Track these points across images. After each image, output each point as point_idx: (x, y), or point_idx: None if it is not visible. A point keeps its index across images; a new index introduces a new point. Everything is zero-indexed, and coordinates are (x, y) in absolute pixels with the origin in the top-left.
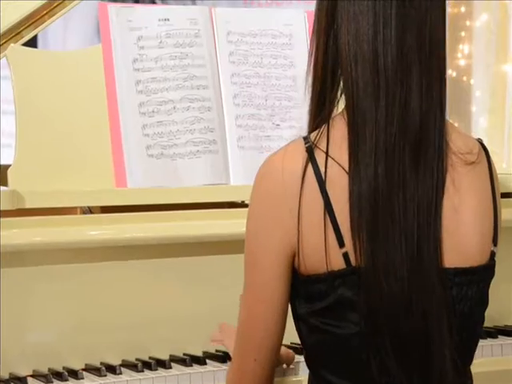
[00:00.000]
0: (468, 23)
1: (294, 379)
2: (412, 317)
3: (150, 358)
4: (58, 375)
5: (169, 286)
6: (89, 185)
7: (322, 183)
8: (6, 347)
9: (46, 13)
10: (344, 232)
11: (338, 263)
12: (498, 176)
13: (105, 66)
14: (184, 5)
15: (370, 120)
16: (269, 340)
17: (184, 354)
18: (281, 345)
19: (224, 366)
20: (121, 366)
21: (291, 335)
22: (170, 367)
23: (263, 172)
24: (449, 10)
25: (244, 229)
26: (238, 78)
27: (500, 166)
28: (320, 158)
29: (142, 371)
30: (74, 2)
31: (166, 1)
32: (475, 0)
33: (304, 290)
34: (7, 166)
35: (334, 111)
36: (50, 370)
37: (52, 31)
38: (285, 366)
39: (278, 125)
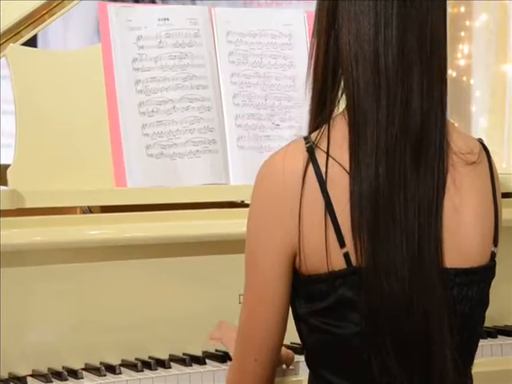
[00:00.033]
0: (468, 23)
1: (294, 379)
2: (413, 317)
3: (149, 357)
4: (57, 375)
5: (168, 286)
6: (88, 184)
7: (322, 183)
8: (6, 347)
9: (46, 12)
10: (345, 232)
11: (339, 263)
12: (499, 176)
13: (104, 66)
14: (184, 5)
15: (371, 120)
16: (270, 340)
17: (184, 354)
18: (282, 345)
19: (224, 366)
20: (120, 365)
21: (291, 335)
22: (170, 367)
23: (264, 172)
24: (449, 10)
25: (244, 229)
26: (238, 77)
27: (500, 166)
28: (321, 158)
29: (142, 371)
30: (74, 2)
31: (165, 1)
32: (475, 0)
33: (305, 290)
34: (7, 166)
35: (335, 111)
36: (49, 369)
37: (52, 31)
38: (284, 366)
39: (277, 125)
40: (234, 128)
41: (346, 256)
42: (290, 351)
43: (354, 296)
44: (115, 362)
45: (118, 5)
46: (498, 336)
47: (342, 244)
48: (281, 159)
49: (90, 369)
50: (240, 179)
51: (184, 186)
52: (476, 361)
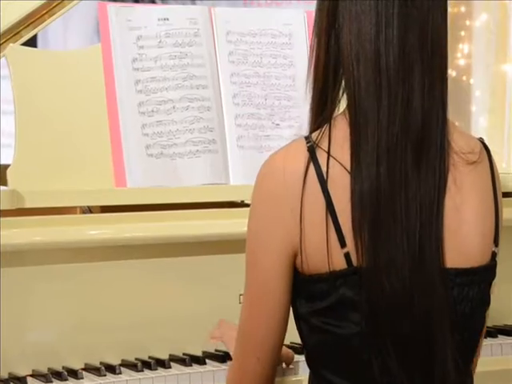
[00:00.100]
0: (468, 23)
1: (294, 379)
2: (413, 317)
3: (149, 357)
4: (57, 375)
5: (168, 286)
6: (88, 184)
7: (323, 183)
8: (6, 347)
9: (46, 12)
10: (345, 232)
11: (340, 263)
12: (499, 175)
13: (104, 66)
14: (184, 5)
15: (372, 119)
16: (270, 339)
17: (183, 354)
18: (282, 344)
19: (224, 366)
20: (120, 365)
21: (291, 335)
22: (170, 367)
23: (264, 172)
24: (449, 9)
25: (244, 229)
26: (238, 77)
27: (500, 166)
28: (322, 157)
29: (142, 371)
30: (74, 2)
31: (165, 1)
32: (475, 0)
33: (305, 289)
34: (7, 166)
35: (335, 111)
36: (49, 369)
37: (52, 31)
38: (284, 365)
39: (277, 124)
40: (233, 128)
41: (347, 256)
42: (290, 350)
43: (355, 296)
44: (115, 361)
45: (118, 5)
46: (498, 335)
47: (342, 244)
48: (281, 159)
49: (89, 369)
50: (240, 179)
51: (184, 185)
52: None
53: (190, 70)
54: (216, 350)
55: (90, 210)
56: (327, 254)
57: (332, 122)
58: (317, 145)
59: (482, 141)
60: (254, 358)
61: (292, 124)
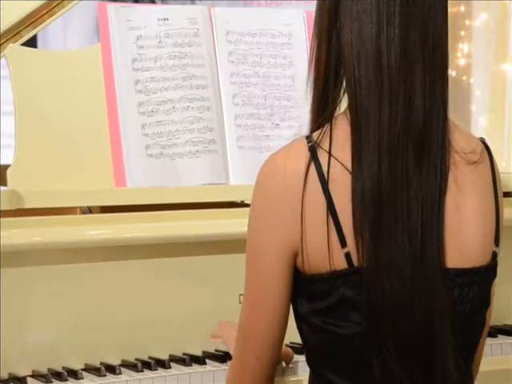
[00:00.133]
0: (467, 22)
1: (294, 379)
2: (414, 317)
3: (149, 357)
4: (57, 375)
5: (168, 286)
6: (88, 185)
7: (324, 183)
8: (6, 347)
9: (46, 12)
10: (346, 232)
11: (341, 263)
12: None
13: (104, 66)
14: (183, 4)
15: (374, 119)
16: (270, 338)
17: (183, 354)
18: (282, 342)
19: (224, 366)
20: (120, 365)
21: (291, 334)
22: (170, 367)
23: (265, 171)
24: (448, 9)
25: (244, 228)
26: (238, 77)
27: (500, 165)
28: (323, 157)
29: (142, 371)
30: (73, 2)
31: (165, 1)
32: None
33: (306, 289)
34: (7, 166)
35: (336, 111)
36: (49, 369)
37: (52, 31)
38: (284, 364)
39: (277, 124)
40: (233, 128)
41: (348, 256)
42: (289, 349)
43: (355, 296)
44: (115, 362)
45: (118, 5)
46: (498, 335)
47: (343, 244)
48: (282, 159)
49: (89, 369)
50: (240, 179)
51: (184, 185)
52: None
53: (189, 70)
54: (216, 350)
55: (89, 210)
56: (328, 254)
57: (333, 121)
58: (318, 145)
59: (483, 141)
60: (253, 357)
61: (292, 124)
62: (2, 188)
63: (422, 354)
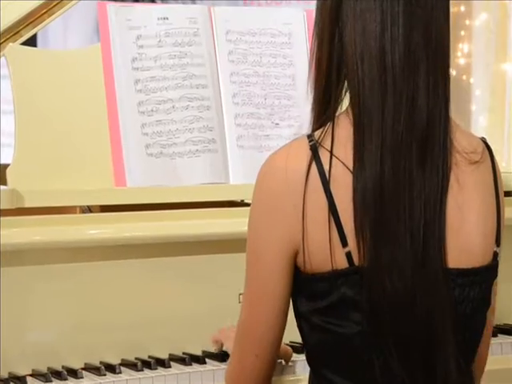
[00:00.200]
0: (467, 22)
1: (293, 378)
2: (415, 316)
3: (149, 357)
4: (57, 374)
5: (168, 285)
6: (88, 184)
7: (325, 182)
8: (6, 346)
9: (45, 12)
10: (347, 231)
11: (341, 262)
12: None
13: (104, 65)
14: (183, 4)
15: (377, 118)
16: (269, 336)
17: (183, 353)
18: (281, 340)
19: (223, 365)
20: (120, 365)
21: (291, 334)
22: (170, 366)
23: (265, 171)
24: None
25: (244, 228)
26: (237, 76)
27: (500, 165)
28: (324, 156)
29: (142, 370)
30: (73, 2)
31: (165, 0)
32: None
33: (307, 288)
34: (7, 166)
35: (338, 110)
36: (49, 369)
37: (52, 30)
38: (283, 362)
39: (277, 124)
40: (233, 127)
41: (348, 255)
42: (288, 348)
43: (356, 295)
44: (115, 361)
45: (118, 4)
46: (498, 335)
47: (344, 243)
48: (283, 157)
49: (89, 368)
50: (240, 178)
51: (183, 185)
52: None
53: (189, 69)
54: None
55: (89, 209)
56: (330, 253)
57: (335, 120)
58: (319, 144)
59: (484, 140)
60: (252, 355)
61: (292, 123)
62: (2, 187)
63: (423, 353)
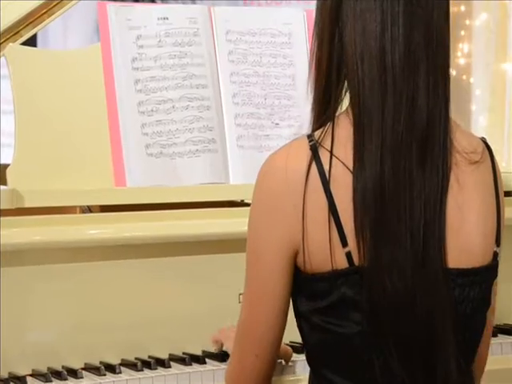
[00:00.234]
0: (468, 22)
1: (293, 378)
2: (415, 317)
3: (149, 357)
4: (57, 374)
5: (168, 285)
6: (88, 184)
7: (325, 182)
8: (6, 346)
9: (45, 12)
10: (347, 231)
11: (341, 262)
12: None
13: (104, 65)
14: (184, 4)
15: (377, 118)
16: (270, 336)
17: (183, 353)
18: (281, 340)
19: (223, 365)
20: (120, 365)
21: (291, 334)
22: (170, 366)
23: (265, 170)
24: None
25: (243, 228)
26: (237, 76)
27: (500, 165)
28: (324, 156)
29: (142, 370)
30: (73, 2)
31: (165, 0)
32: None
33: (307, 288)
34: (7, 166)
35: (338, 110)
36: (49, 369)
37: (52, 30)
38: (283, 362)
39: (277, 124)
40: (233, 127)
41: (348, 255)
42: (288, 347)
43: (356, 295)
44: (115, 361)
45: (118, 4)
46: (498, 335)
47: (344, 243)
48: (283, 157)
49: (89, 368)
50: (239, 178)
51: (183, 185)
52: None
53: (189, 69)
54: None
55: (89, 209)
56: (330, 253)
57: (335, 120)
58: (319, 144)
59: (484, 140)
60: (252, 355)
61: (292, 123)
62: (2, 187)
63: (423, 353)
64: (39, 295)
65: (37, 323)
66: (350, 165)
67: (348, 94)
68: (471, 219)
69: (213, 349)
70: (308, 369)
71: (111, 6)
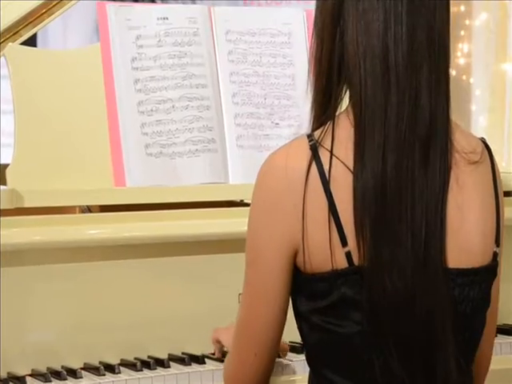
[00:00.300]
0: (467, 22)
1: (293, 378)
2: (415, 316)
3: (148, 357)
4: (56, 374)
5: (167, 285)
6: (88, 184)
7: (325, 182)
8: (5, 346)
9: (45, 12)
10: (347, 231)
11: (341, 262)
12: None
13: (103, 65)
14: (183, 4)
15: (379, 117)
16: (269, 334)
17: (183, 353)
18: (280, 339)
19: (223, 366)
20: (119, 365)
21: (290, 334)
22: (169, 366)
23: (265, 170)
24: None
25: (243, 228)
26: (237, 76)
27: (500, 165)
28: (324, 156)
29: (141, 370)
30: (72, 2)
31: (165, 0)
32: None
33: (307, 287)
34: (7, 165)
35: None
36: (48, 369)
37: (52, 30)
38: (281, 356)
39: (277, 124)
40: (233, 127)
41: (348, 255)
42: (284, 341)
43: (356, 295)
44: (114, 361)
45: (117, 4)
46: (498, 335)
47: (344, 243)
48: (283, 157)
49: (89, 368)
50: (239, 178)
51: (183, 185)
52: None
53: (189, 69)
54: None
55: (89, 209)
56: (330, 253)
57: (335, 120)
58: (319, 143)
59: (483, 140)
60: (251, 353)
61: (291, 123)
62: (2, 187)
63: (423, 353)
64: (39, 295)
65: (36, 323)
66: (351, 165)
67: (347, 94)
68: (471, 219)
69: (214, 351)
70: (308, 369)
71: (111, 6)
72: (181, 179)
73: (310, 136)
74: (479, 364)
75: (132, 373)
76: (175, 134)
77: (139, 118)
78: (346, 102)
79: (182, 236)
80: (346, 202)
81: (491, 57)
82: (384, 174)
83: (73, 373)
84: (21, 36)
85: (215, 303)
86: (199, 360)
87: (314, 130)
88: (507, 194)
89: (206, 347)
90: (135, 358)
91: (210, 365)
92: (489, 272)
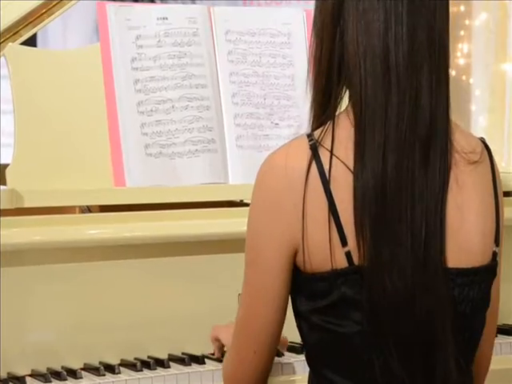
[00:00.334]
0: (467, 22)
1: (293, 378)
2: (415, 316)
3: (148, 357)
4: (56, 375)
5: (167, 286)
6: (87, 184)
7: (325, 182)
8: (5, 346)
9: (45, 12)
10: (347, 231)
11: (341, 262)
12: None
13: (103, 65)
14: (183, 4)
15: (380, 117)
16: (268, 332)
17: (183, 354)
18: (279, 337)
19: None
20: (119, 365)
21: (290, 334)
22: (169, 366)
23: (265, 170)
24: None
25: (243, 228)
26: (237, 76)
27: (500, 165)
28: (324, 156)
29: (141, 370)
30: (72, 2)
31: (165, 0)
32: None
33: (307, 287)
34: (7, 165)
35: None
36: (48, 369)
37: (52, 30)
38: (280, 350)
39: (276, 124)
40: (232, 127)
41: (348, 255)
42: (284, 336)
43: (356, 295)
44: (114, 361)
45: (117, 4)
46: (497, 335)
47: (343, 243)
48: (283, 156)
49: (89, 368)
50: (239, 178)
51: (183, 185)
52: None
53: (189, 69)
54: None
55: (89, 209)
56: (330, 253)
57: (335, 120)
58: (319, 143)
59: (483, 140)
60: (251, 351)
61: (291, 123)
62: (2, 187)
63: (423, 353)
64: (39, 295)
65: (36, 323)
66: (351, 164)
67: (347, 93)
68: (470, 219)
69: (214, 351)
70: (308, 369)
71: (111, 6)
72: (181, 179)
73: (309, 136)
74: (479, 364)
75: (132, 373)
76: (175, 134)
77: (139, 118)
78: (345, 101)
79: (182, 236)
80: (346, 201)
81: (491, 57)
82: (384, 174)
83: (73, 373)
84: (21, 36)
85: (215, 303)
86: (199, 360)
87: (313, 129)
88: (507, 194)
89: (206, 347)
90: (135, 358)
91: (210, 365)
92: (488, 272)
